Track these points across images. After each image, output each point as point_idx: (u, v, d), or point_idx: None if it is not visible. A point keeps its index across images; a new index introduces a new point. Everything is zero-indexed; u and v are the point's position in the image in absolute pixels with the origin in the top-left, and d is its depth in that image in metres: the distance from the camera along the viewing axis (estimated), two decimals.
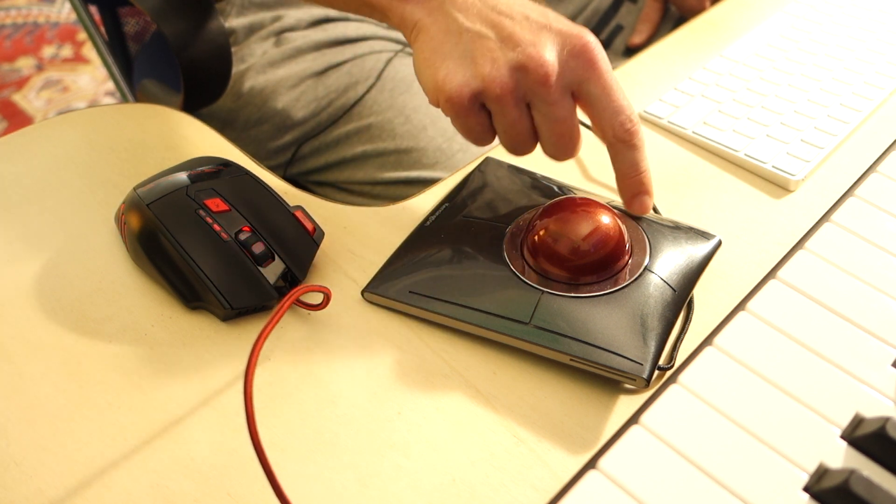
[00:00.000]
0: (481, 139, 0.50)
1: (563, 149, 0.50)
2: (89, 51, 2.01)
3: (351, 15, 0.84)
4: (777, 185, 0.59)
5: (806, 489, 0.40)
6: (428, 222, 0.54)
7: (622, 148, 0.49)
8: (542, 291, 0.48)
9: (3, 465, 0.41)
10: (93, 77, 1.95)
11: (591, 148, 0.62)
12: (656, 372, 0.45)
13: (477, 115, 0.49)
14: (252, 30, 0.82)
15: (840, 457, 0.41)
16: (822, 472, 0.40)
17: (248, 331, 0.48)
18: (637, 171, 0.50)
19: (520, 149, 0.50)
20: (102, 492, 0.41)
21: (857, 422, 0.42)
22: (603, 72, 0.48)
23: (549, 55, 0.46)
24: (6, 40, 2.03)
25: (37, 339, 0.47)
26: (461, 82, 0.47)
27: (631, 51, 0.86)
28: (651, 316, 0.47)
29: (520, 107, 0.48)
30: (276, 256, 0.49)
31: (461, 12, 0.48)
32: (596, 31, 0.89)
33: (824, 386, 0.44)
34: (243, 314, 0.49)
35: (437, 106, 0.49)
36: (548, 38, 0.47)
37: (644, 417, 0.42)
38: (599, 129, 0.49)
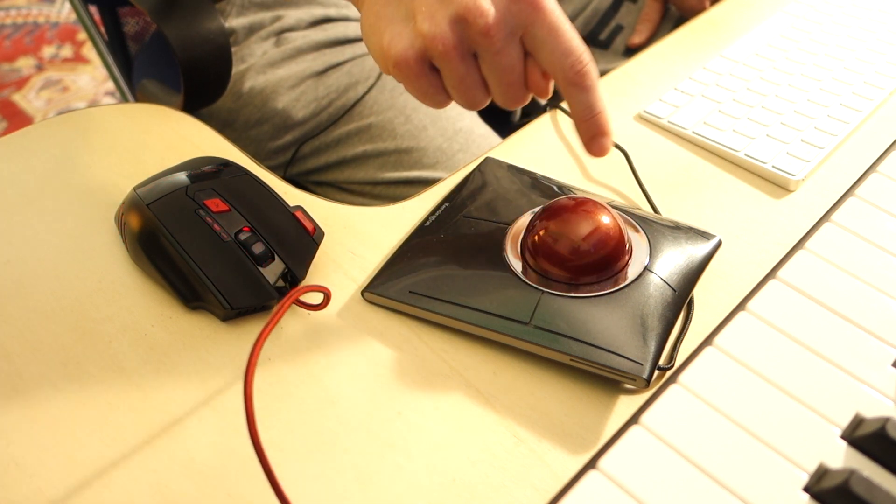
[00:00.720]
0: (436, 101, 0.49)
1: (514, 97, 0.48)
2: (89, 51, 2.02)
3: (351, 15, 0.84)
4: (777, 185, 0.59)
5: (806, 489, 0.40)
6: (428, 222, 0.54)
7: (574, 91, 0.47)
8: (542, 291, 0.48)
9: (3, 465, 0.41)
10: (93, 77, 1.95)
11: None
12: (656, 372, 0.45)
13: (427, 76, 0.47)
14: (252, 30, 0.82)
15: (840, 457, 0.41)
16: (822, 473, 0.40)
17: (248, 331, 0.48)
18: (591, 112, 0.47)
19: (473, 103, 0.49)
20: (102, 492, 0.41)
21: (857, 422, 0.42)
22: (548, 12, 0.46)
23: (488, 2, 0.45)
24: (6, 40, 2.03)
25: (37, 339, 0.47)
26: (405, 45, 0.46)
27: (631, 51, 0.86)
28: (651, 316, 0.47)
29: (466, 60, 0.46)
30: (276, 256, 0.49)
31: None
32: (596, 30, 0.89)
33: (824, 386, 0.44)
34: (243, 314, 0.49)
35: (388, 73, 0.48)
36: None
37: (644, 417, 0.42)
38: (550, 72, 0.47)
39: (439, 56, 0.46)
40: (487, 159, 0.59)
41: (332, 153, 0.80)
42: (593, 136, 0.48)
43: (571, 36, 0.46)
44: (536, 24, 0.46)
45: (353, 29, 0.83)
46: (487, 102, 0.49)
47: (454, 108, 0.79)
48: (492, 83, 0.48)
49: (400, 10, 0.47)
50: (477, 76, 0.47)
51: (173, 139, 0.61)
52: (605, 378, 0.46)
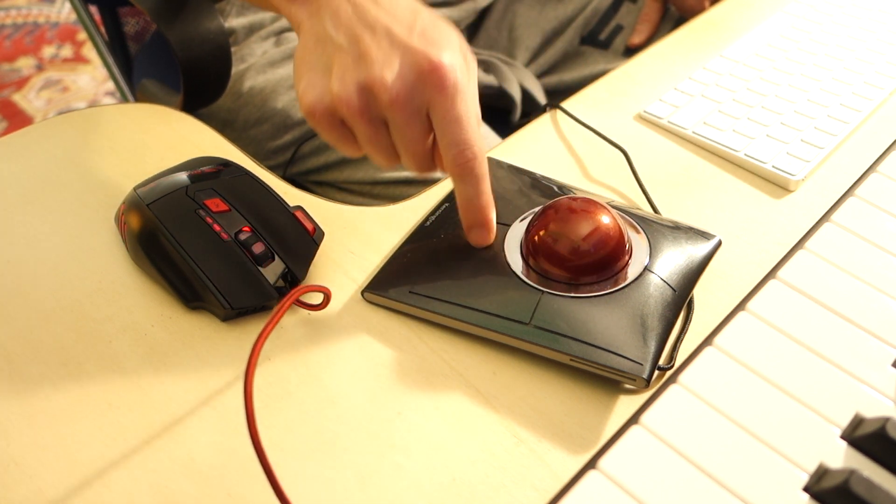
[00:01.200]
0: (348, 151, 0.49)
1: (420, 165, 0.48)
2: (89, 51, 2.01)
3: None
4: (777, 185, 0.59)
5: (806, 489, 0.40)
6: (428, 222, 0.54)
7: (456, 181, 0.48)
8: (543, 291, 0.48)
9: (3, 465, 0.41)
10: (93, 77, 1.95)
11: (591, 148, 0.62)
12: (656, 372, 0.45)
13: (337, 128, 0.48)
14: (252, 29, 0.82)
15: (840, 457, 0.41)
16: (822, 472, 0.40)
17: (248, 331, 0.48)
18: (470, 203, 0.48)
19: (385, 162, 0.49)
20: (102, 492, 0.41)
21: (857, 422, 0.42)
22: (447, 97, 0.45)
23: (394, 77, 0.45)
24: (6, 40, 2.03)
25: (37, 339, 0.47)
26: (315, 98, 0.47)
27: (631, 51, 0.86)
28: (651, 316, 0.47)
29: (373, 124, 0.47)
30: (276, 256, 0.49)
31: (332, 19, 0.47)
32: (596, 30, 0.89)
33: (824, 386, 0.44)
34: (243, 314, 0.49)
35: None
36: (398, 58, 0.46)
37: (644, 417, 0.42)
38: (441, 154, 0.47)
39: (346, 117, 0.47)
40: (487, 159, 0.59)
41: (331, 153, 0.80)
42: (471, 225, 0.50)
43: (464, 125, 0.46)
44: (435, 107, 0.46)
45: None
46: (399, 162, 0.49)
47: None
48: (399, 149, 0.48)
49: (321, 60, 0.47)
50: (386, 139, 0.48)
51: (173, 139, 0.61)
52: (605, 378, 0.46)
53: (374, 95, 0.46)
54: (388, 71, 0.45)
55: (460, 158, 0.46)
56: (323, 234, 0.52)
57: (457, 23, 0.88)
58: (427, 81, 0.45)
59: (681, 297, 0.48)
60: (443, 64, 0.45)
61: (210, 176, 0.52)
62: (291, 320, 0.49)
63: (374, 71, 0.45)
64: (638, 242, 0.50)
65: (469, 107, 0.47)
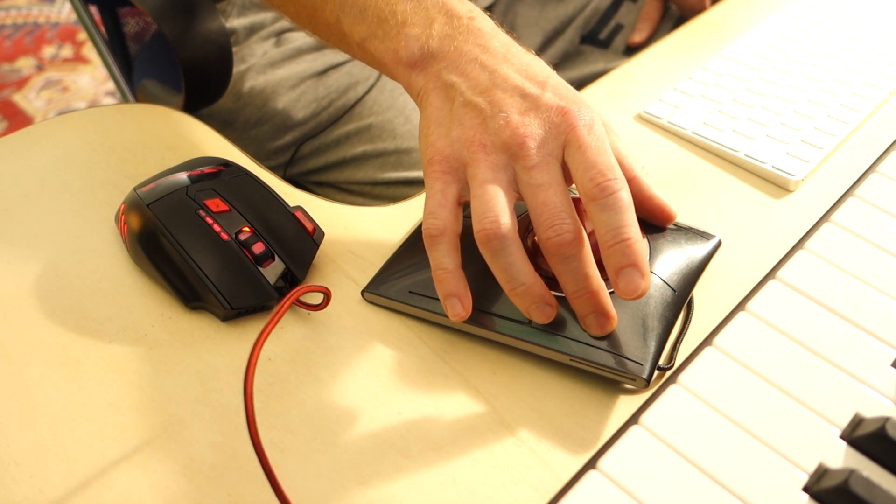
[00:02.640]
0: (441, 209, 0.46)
1: (550, 225, 0.43)
2: (89, 51, 2.02)
3: None
4: (777, 185, 0.59)
5: (806, 489, 0.40)
6: None
7: (593, 208, 0.43)
8: None
9: (3, 465, 0.41)
10: (93, 77, 1.95)
11: None
12: (656, 372, 0.45)
13: (447, 174, 0.46)
14: (253, 30, 0.82)
15: (840, 457, 0.41)
16: (821, 472, 0.40)
17: (248, 331, 0.48)
18: (615, 237, 0.42)
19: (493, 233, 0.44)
20: (102, 492, 0.41)
21: (857, 422, 0.42)
22: (579, 132, 0.44)
23: (527, 127, 0.45)
24: (6, 40, 2.03)
25: (37, 339, 0.47)
26: (446, 143, 0.46)
27: (631, 50, 0.86)
28: (651, 316, 0.47)
29: (495, 168, 0.45)
30: (276, 256, 0.49)
31: (465, 81, 0.47)
32: (596, 29, 0.89)
33: (824, 386, 0.44)
34: (243, 314, 0.49)
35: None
36: (533, 113, 0.45)
37: (644, 417, 0.42)
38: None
39: (467, 154, 0.46)
40: None
41: (332, 153, 0.80)
42: (619, 267, 0.43)
43: (602, 152, 0.44)
44: (569, 143, 0.45)
45: None
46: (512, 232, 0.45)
47: None
48: (527, 204, 0.45)
49: (455, 118, 0.46)
50: (501, 195, 0.45)
51: (173, 139, 0.61)
52: (605, 378, 0.46)
53: (508, 144, 0.44)
54: (524, 121, 0.45)
55: (599, 178, 0.43)
56: (323, 234, 0.52)
57: None
58: (560, 126, 0.44)
59: (681, 298, 0.48)
60: (572, 109, 0.45)
61: (210, 176, 0.52)
62: (291, 320, 0.49)
63: (511, 119, 0.44)
64: None
65: (605, 141, 0.44)
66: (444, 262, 0.45)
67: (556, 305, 0.45)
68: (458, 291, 0.45)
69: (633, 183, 0.48)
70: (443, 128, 0.47)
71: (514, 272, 0.44)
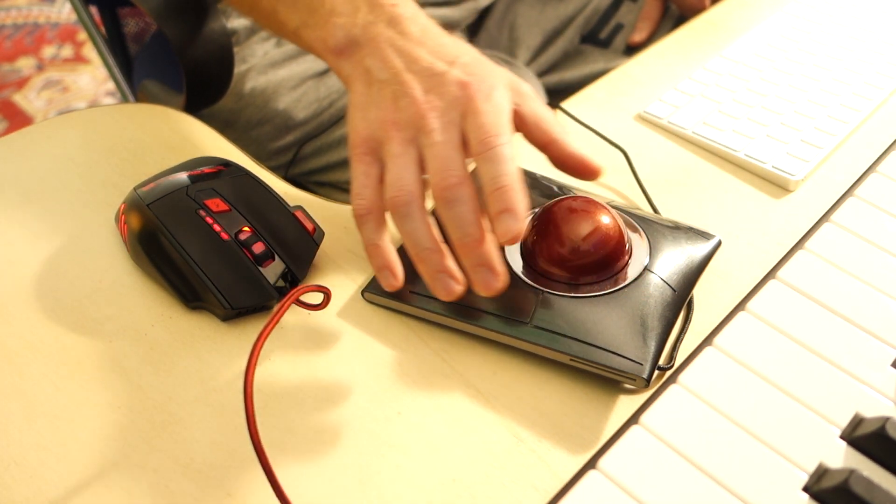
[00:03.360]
0: (365, 188, 0.48)
1: (442, 184, 0.45)
2: (89, 51, 2.02)
3: None
4: (777, 185, 0.59)
5: (806, 489, 0.40)
6: None
7: (478, 163, 0.46)
8: (542, 291, 0.48)
9: (3, 465, 0.41)
10: (93, 77, 1.95)
11: (591, 148, 0.62)
12: (656, 372, 0.45)
13: (368, 156, 0.48)
14: (254, 30, 0.82)
15: (840, 457, 0.41)
16: (821, 472, 0.40)
17: (248, 331, 0.48)
18: (493, 184, 0.44)
19: (394, 192, 0.46)
20: (102, 492, 0.41)
21: (857, 422, 0.42)
22: (476, 101, 0.46)
23: (432, 98, 0.47)
24: (6, 40, 2.03)
25: (37, 339, 0.47)
26: (363, 126, 0.49)
27: (631, 49, 0.86)
28: (651, 316, 0.47)
29: (405, 144, 0.47)
30: (276, 256, 0.49)
31: (380, 63, 0.49)
32: (596, 29, 0.89)
33: (824, 386, 0.44)
34: (243, 314, 0.49)
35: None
36: (437, 85, 0.48)
37: (644, 417, 0.42)
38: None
39: (382, 135, 0.48)
40: None
41: (333, 154, 0.80)
42: (497, 211, 0.44)
43: (492, 116, 0.46)
44: (466, 112, 0.47)
45: None
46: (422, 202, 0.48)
47: None
48: (428, 168, 0.47)
49: (372, 101, 0.49)
50: (413, 164, 0.48)
51: (173, 139, 0.61)
52: (605, 378, 0.46)
53: (413, 119, 0.47)
54: (427, 98, 0.47)
55: (483, 135, 0.45)
56: (323, 234, 0.52)
57: (458, 22, 0.88)
58: (460, 98, 0.47)
59: (681, 297, 0.48)
60: (472, 82, 0.47)
61: (210, 176, 0.52)
62: (291, 320, 0.49)
63: (416, 97, 0.47)
64: (638, 242, 0.50)
65: (501, 107, 0.47)
66: (373, 237, 0.48)
67: (462, 282, 0.45)
68: (389, 263, 0.47)
69: (552, 145, 0.49)
70: (362, 111, 0.49)
71: (418, 236, 0.46)
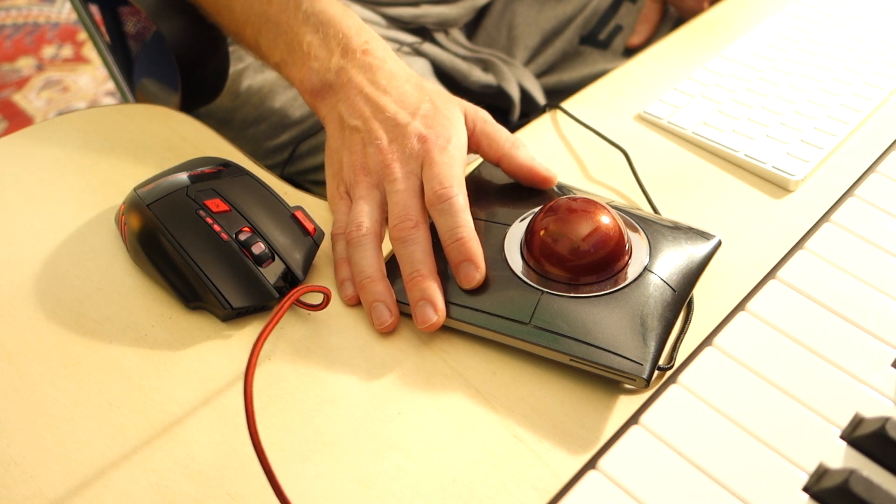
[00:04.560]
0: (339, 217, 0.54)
1: (397, 216, 0.51)
2: (89, 51, 2.01)
3: None
4: (777, 185, 0.59)
5: (806, 489, 0.40)
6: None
7: (433, 213, 0.50)
8: (542, 291, 0.48)
9: (3, 465, 0.41)
10: (93, 77, 1.94)
11: (591, 148, 0.62)
12: (656, 372, 0.45)
13: (344, 198, 0.54)
14: None
15: (840, 457, 0.41)
16: (821, 472, 0.40)
17: (248, 331, 0.48)
18: (451, 236, 0.49)
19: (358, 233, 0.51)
20: (102, 492, 0.41)
21: (857, 422, 0.42)
22: (433, 153, 0.51)
23: (395, 152, 0.52)
24: (6, 40, 2.03)
25: (37, 339, 0.47)
26: (334, 171, 0.55)
27: (630, 51, 0.86)
28: (651, 316, 0.47)
29: (371, 187, 0.53)
30: (276, 257, 0.49)
31: (348, 109, 0.55)
32: (595, 31, 0.89)
33: (824, 386, 0.44)
34: (243, 314, 0.49)
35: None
36: (399, 138, 0.53)
37: (644, 417, 0.42)
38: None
39: (351, 178, 0.55)
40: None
41: None
42: (457, 262, 0.49)
43: (446, 168, 0.51)
44: (424, 164, 0.52)
45: None
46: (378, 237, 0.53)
47: None
48: (390, 215, 0.53)
49: (345, 144, 0.55)
50: (378, 206, 0.53)
51: (173, 139, 0.61)
52: (605, 378, 0.46)
53: (379, 167, 0.52)
54: (391, 147, 0.52)
55: (437, 188, 0.50)
56: (323, 234, 0.52)
57: (455, 20, 0.88)
58: (419, 151, 0.52)
59: (681, 297, 0.48)
60: (430, 136, 0.52)
61: (210, 176, 0.52)
62: (291, 320, 0.49)
63: (382, 146, 0.53)
64: (638, 242, 0.50)
65: (455, 159, 0.52)
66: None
67: (396, 313, 0.49)
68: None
69: (503, 159, 0.55)
70: (337, 154, 0.55)
71: (363, 265, 0.50)
